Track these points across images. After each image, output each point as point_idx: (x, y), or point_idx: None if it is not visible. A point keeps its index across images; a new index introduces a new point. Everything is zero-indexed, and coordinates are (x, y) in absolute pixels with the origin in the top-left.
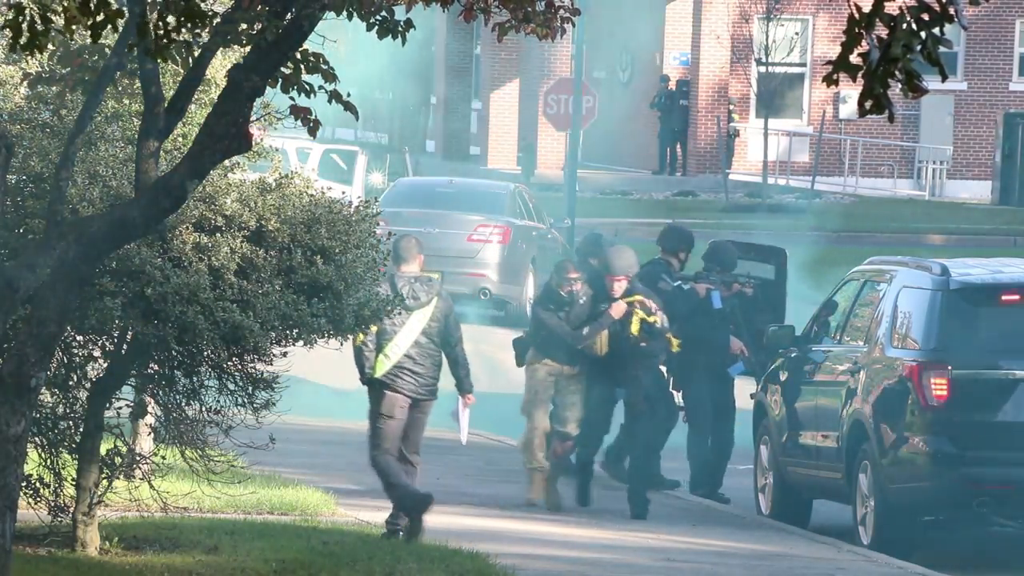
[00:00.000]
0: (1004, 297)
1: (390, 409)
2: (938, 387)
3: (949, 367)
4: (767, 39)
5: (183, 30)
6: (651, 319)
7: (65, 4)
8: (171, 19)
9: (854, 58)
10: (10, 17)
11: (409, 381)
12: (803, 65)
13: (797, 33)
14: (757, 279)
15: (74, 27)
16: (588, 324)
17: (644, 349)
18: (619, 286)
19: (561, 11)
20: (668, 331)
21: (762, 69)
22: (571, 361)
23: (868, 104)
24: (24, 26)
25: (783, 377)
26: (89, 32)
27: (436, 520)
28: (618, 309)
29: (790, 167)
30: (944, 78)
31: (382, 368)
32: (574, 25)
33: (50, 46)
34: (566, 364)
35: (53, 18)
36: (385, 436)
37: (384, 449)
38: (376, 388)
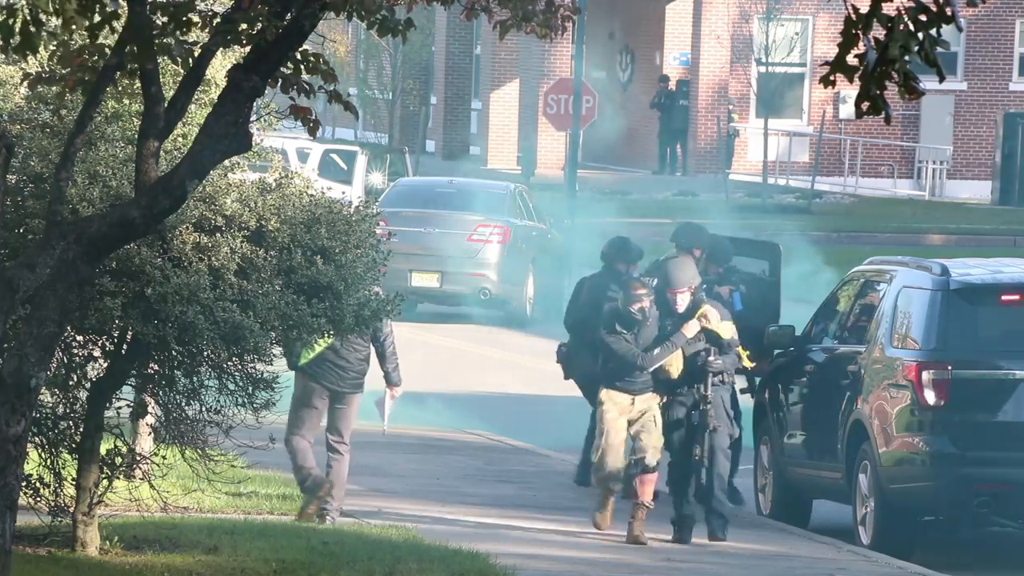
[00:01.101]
0: (1004, 297)
1: (309, 399)
2: (938, 387)
3: (949, 367)
4: (767, 39)
5: (168, 34)
6: (724, 333)
7: (60, 5)
8: (159, 21)
9: (851, 59)
10: (1, 19)
11: (331, 373)
12: (803, 65)
13: (797, 33)
14: (749, 275)
15: (73, 27)
16: (657, 346)
17: (715, 365)
18: (682, 299)
19: (561, 10)
20: (739, 344)
21: (762, 69)
22: (644, 389)
23: (865, 105)
24: (16, 28)
25: (783, 377)
26: (87, 32)
27: (436, 520)
28: (691, 328)
29: (790, 167)
30: (942, 79)
31: (306, 358)
32: (574, 24)
33: (50, 47)
34: (638, 393)
35: (45, 19)
36: (302, 422)
37: (299, 434)
38: (300, 377)
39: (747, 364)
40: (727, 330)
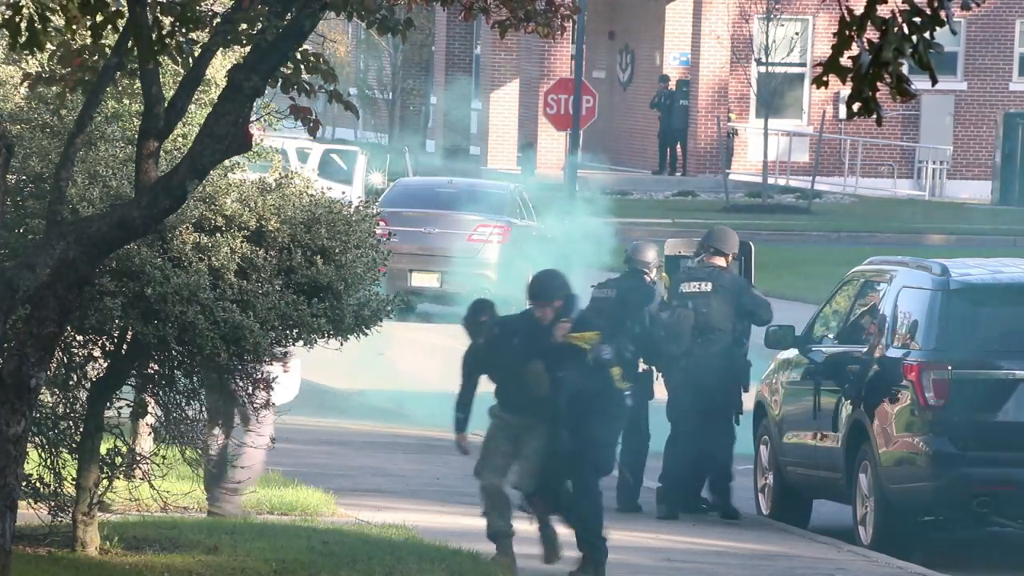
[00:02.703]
0: (1004, 297)
1: None
2: (938, 387)
3: (949, 367)
4: (767, 39)
5: (177, 33)
6: (584, 344)
7: (65, 3)
8: (166, 21)
9: (845, 61)
10: (7, 16)
11: None
12: (803, 65)
13: (797, 33)
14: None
15: (75, 27)
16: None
17: (585, 384)
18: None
19: (561, 10)
20: (612, 364)
21: (762, 69)
22: (524, 409)
23: (856, 106)
24: (23, 25)
25: (783, 377)
26: (89, 32)
27: (436, 520)
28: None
29: (790, 167)
30: (934, 82)
31: None
32: (574, 24)
33: (49, 46)
34: (518, 413)
35: (52, 17)
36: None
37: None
38: None
39: (620, 385)
40: (584, 340)
